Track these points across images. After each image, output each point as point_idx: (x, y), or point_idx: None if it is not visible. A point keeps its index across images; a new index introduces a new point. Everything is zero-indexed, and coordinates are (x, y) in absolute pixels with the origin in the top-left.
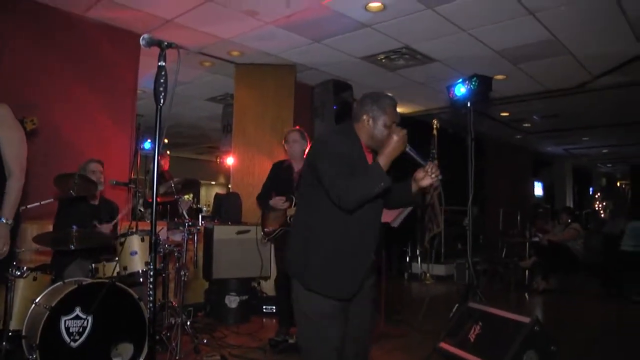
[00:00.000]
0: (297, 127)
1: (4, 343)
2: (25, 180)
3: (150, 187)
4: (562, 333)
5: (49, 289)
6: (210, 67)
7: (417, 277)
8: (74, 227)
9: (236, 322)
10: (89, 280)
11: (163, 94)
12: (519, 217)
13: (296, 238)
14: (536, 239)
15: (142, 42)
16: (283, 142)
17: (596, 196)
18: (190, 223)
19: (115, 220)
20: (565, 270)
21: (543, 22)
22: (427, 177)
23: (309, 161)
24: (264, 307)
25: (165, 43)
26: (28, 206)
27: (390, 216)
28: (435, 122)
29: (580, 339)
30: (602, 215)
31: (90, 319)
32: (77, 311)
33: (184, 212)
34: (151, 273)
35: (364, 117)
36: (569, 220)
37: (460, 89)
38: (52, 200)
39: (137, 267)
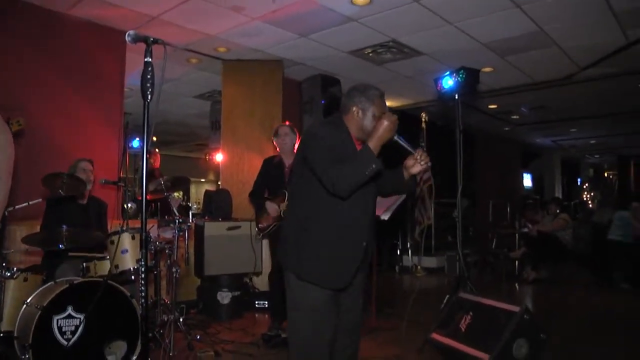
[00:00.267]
0: (287, 122)
1: None
2: (12, 183)
3: (139, 186)
4: (551, 321)
5: (40, 289)
6: (197, 64)
7: (408, 269)
8: (64, 226)
9: (229, 318)
10: (81, 279)
11: (150, 90)
12: (508, 209)
13: (289, 229)
14: (526, 229)
15: (127, 38)
16: (273, 137)
17: (584, 187)
18: (180, 220)
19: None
20: (554, 260)
21: (529, 14)
22: (416, 164)
23: (299, 153)
24: (256, 302)
25: (151, 39)
26: (16, 207)
27: (380, 209)
28: (423, 115)
29: (570, 327)
30: (590, 206)
31: (82, 317)
32: (70, 310)
33: (175, 210)
34: (142, 270)
35: (353, 108)
36: (558, 211)
37: (448, 82)
38: (40, 200)
39: (128, 265)
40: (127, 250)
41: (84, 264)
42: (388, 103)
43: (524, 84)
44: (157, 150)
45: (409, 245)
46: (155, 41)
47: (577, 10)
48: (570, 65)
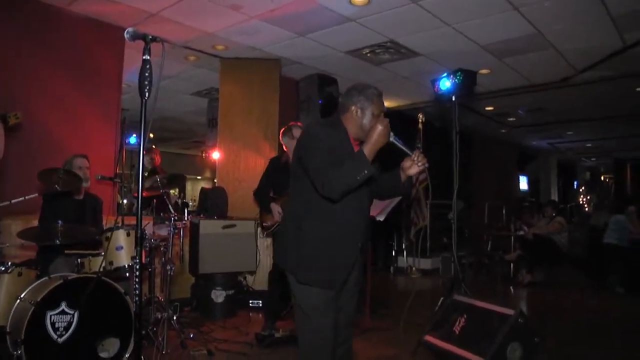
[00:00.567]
0: (299, 123)
1: None
2: (9, 177)
3: (136, 182)
4: (546, 325)
5: (35, 284)
6: (195, 61)
7: (403, 270)
8: (60, 222)
9: (222, 316)
10: (75, 275)
11: (148, 87)
12: (504, 211)
13: (287, 231)
14: (521, 232)
15: (126, 35)
16: (282, 137)
17: (580, 190)
18: (176, 218)
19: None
20: (549, 263)
21: (527, 16)
22: (414, 165)
23: (296, 153)
24: (250, 301)
25: (150, 37)
26: (12, 201)
27: (376, 210)
28: (420, 116)
29: (564, 330)
30: (587, 209)
31: (76, 314)
32: (63, 306)
33: (170, 207)
34: (137, 267)
35: (352, 108)
36: (554, 214)
37: (445, 83)
38: (36, 195)
39: (123, 262)
40: (122, 247)
41: (79, 260)
42: (385, 103)
43: (521, 86)
44: (154, 147)
45: (404, 246)
46: (154, 39)
47: (574, 13)
48: (567, 67)
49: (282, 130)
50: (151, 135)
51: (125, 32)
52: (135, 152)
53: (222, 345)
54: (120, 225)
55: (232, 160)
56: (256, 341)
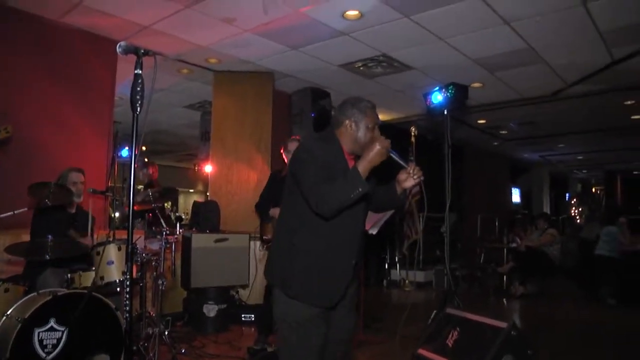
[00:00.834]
0: (297, 137)
1: None
2: None
3: (128, 196)
4: (539, 336)
5: (22, 300)
6: (188, 74)
7: (396, 283)
8: (49, 236)
9: (215, 331)
10: (65, 291)
11: (140, 102)
12: (496, 223)
13: (277, 245)
14: (514, 244)
15: (118, 49)
16: (282, 151)
17: (572, 202)
18: (167, 231)
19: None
20: (542, 274)
21: (518, 31)
22: (409, 178)
23: (290, 168)
24: (243, 315)
25: (142, 51)
26: (0, 216)
27: (369, 223)
28: (413, 129)
29: (557, 342)
30: (579, 221)
31: (65, 330)
32: (52, 323)
33: (162, 221)
34: (128, 283)
35: (346, 122)
36: (546, 226)
37: (437, 97)
38: (25, 209)
39: (113, 277)
40: (112, 262)
41: (69, 275)
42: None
43: (512, 100)
44: (146, 159)
45: (397, 260)
46: (146, 53)
47: (564, 28)
48: (558, 81)
49: (283, 146)
50: (144, 148)
51: (118, 46)
52: (127, 165)
53: None
54: (111, 239)
55: (224, 173)
56: (248, 355)
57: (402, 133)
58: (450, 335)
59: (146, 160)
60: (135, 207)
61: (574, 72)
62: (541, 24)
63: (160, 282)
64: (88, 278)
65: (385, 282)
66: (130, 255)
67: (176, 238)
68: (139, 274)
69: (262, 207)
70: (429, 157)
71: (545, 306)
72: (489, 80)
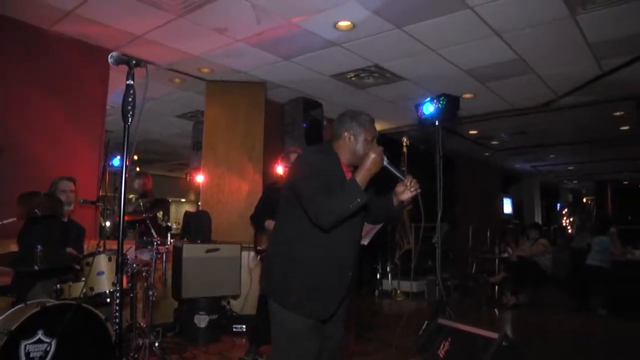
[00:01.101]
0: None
1: None
2: None
3: (119, 206)
4: (531, 347)
5: (9, 311)
6: (180, 84)
7: (387, 293)
8: (38, 246)
9: (206, 341)
10: (53, 302)
11: (131, 112)
12: (488, 233)
13: (275, 257)
14: (505, 254)
15: (110, 60)
16: (279, 162)
17: (563, 212)
18: (158, 242)
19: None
20: (534, 284)
21: (509, 43)
22: (407, 190)
23: (287, 180)
24: (234, 326)
25: (134, 61)
26: None
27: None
28: (405, 139)
29: (548, 352)
30: (570, 231)
31: (53, 342)
32: (40, 335)
33: (153, 232)
34: (118, 294)
35: (345, 134)
36: (537, 236)
37: (429, 108)
38: (14, 219)
39: (104, 288)
40: (103, 272)
41: (58, 286)
42: None
43: (503, 110)
44: (137, 168)
45: (388, 270)
46: (138, 64)
47: (554, 40)
48: (548, 92)
49: (281, 156)
50: (135, 157)
51: (109, 56)
52: (119, 175)
53: None
54: (101, 250)
55: (216, 183)
56: None
57: (394, 143)
58: (441, 346)
59: (138, 169)
60: (126, 217)
61: (564, 83)
62: (531, 35)
63: (150, 292)
64: (78, 288)
65: (377, 292)
66: (121, 266)
67: (167, 248)
68: (130, 284)
69: (257, 219)
70: (420, 168)
71: (536, 316)
72: (480, 91)
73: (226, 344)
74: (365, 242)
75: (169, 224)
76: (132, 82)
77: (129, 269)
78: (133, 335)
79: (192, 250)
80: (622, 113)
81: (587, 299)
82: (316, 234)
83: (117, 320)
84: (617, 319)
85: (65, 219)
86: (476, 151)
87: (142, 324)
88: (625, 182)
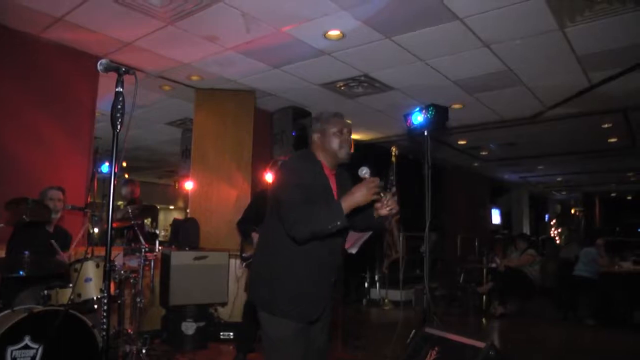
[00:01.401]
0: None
1: None
2: None
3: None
4: (518, 357)
5: None
6: (169, 91)
7: (375, 302)
8: (26, 252)
9: (193, 348)
10: (41, 308)
11: (120, 120)
12: (476, 243)
13: (261, 264)
14: (494, 264)
15: (99, 67)
16: (268, 170)
17: (552, 223)
18: (147, 249)
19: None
20: (522, 295)
21: (498, 54)
22: (384, 207)
23: (272, 189)
24: (221, 333)
25: (123, 69)
26: None
27: (348, 242)
28: (394, 149)
29: None
30: (558, 242)
31: (40, 348)
32: (27, 340)
33: (141, 238)
34: (105, 302)
35: (315, 136)
36: (526, 247)
37: (418, 118)
38: (2, 225)
39: (91, 294)
40: (90, 279)
41: (46, 292)
42: (359, 136)
43: (492, 121)
44: (126, 175)
45: (376, 278)
46: (127, 71)
47: (542, 52)
48: (537, 104)
49: (270, 164)
50: (124, 164)
51: (99, 63)
52: (108, 181)
53: None
54: (89, 256)
55: (204, 191)
56: None
57: (382, 153)
58: (429, 355)
59: (127, 176)
60: (114, 224)
61: (552, 95)
62: (520, 47)
63: (138, 299)
64: (65, 295)
65: (364, 300)
66: (109, 273)
67: (155, 255)
68: (117, 291)
69: (244, 226)
70: (409, 177)
71: (524, 326)
72: (469, 102)
73: (214, 351)
74: (353, 250)
75: (157, 231)
76: (121, 90)
77: (117, 276)
78: (120, 342)
79: (180, 258)
80: (610, 125)
81: (574, 310)
82: (304, 245)
83: (105, 326)
84: (604, 329)
85: (51, 229)
86: (465, 161)
87: (129, 331)
88: (613, 194)
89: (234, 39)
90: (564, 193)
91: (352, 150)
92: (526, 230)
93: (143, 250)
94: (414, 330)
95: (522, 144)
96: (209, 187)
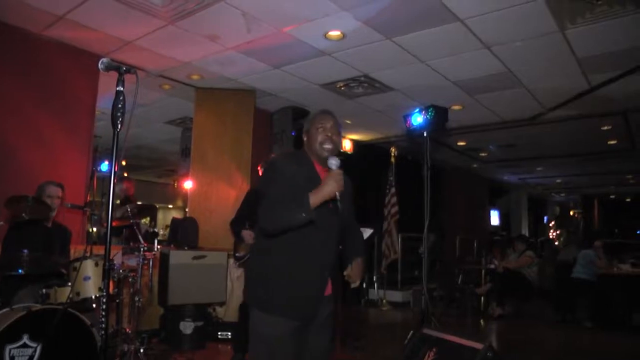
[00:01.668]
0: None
1: None
2: None
3: (106, 211)
4: (515, 358)
5: None
6: (169, 90)
7: (374, 303)
8: (25, 250)
9: (191, 348)
10: (39, 306)
11: (121, 119)
12: (475, 245)
13: (255, 265)
14: (492, 266)
15: (100, 66)
16: (259, 169)
17: (550, 224)
18: (145, 248)
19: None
20: (520, 296)
21: (498, 55)
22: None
23: (258, 186)
24: (219, 333)
25: (124, 68)
26: None
27: None
28: (393, 149)
29: None
30: (557, 243)
31: (39, 347)
32: (25, 339)
33: (140, 237)
34: (104, 300)
35: (304, 137)
36: (524, 248)
37: (417, 119)
38: (2, 223)
39: (90, 293)
40: (89, 278)
41: (44, 290)
42: (358, 136)
43: (492, 123)
44: (125, 174)
45: (375, 279)
46: (128, 70)
47: (543, 54)
48: (536, 105)
49: (261, 164)
50: (123, 162)
51: (100, 62)
52: (107, 180)
53: None
54: (88, 255)
55: (204, 190)
56: None
57: (382, 153)
58: (427, 356)
59: (126, 175)
60: (114, 223)
61: (552, 97)
62: (521, 49)
63: (137, 298)
64: (64, 293)
65: (362, 301)
66: (108, 272)
67: (154, 254)
68: (116, 290)
69: (236, 225)
70: (409, 178)
71: (522, 328)
72: (469, 103)
73: (211, 350)
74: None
75: (156, 230)
76: (122, 89)
77: (116, 275)
78: (118, 341)
79: (178, 257)
80: (609, 127)
81: (572, 312)
82: (288, 238)
83: (103, 325)
84: (602, 332)
85: (49, 224)
86: (464, 162)
87: (127, 330)
88: (612, 196)
89: (235, 39)
90: (562, 195)
91: (332, 146)
92: (525, 231)
93: (142, 249)
94: (411, 331)
95: (522, 145)
96: (208, 187)
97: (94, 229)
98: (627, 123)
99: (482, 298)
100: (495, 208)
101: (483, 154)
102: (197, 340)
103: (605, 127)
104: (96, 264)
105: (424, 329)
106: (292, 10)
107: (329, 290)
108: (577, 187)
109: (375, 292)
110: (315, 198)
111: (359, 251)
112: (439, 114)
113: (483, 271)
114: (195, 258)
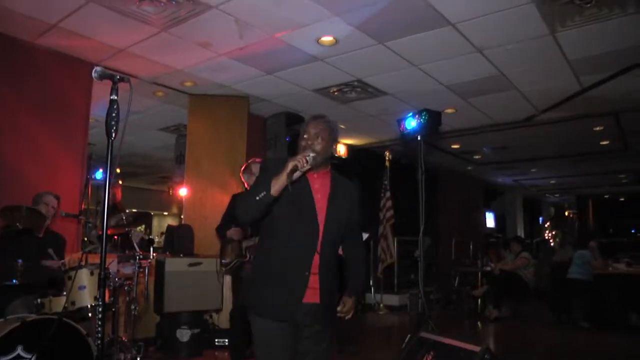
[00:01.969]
0: (258, 160)
1: None
2: None
3: (100, 219)
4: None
5: None
6: (163, 97)
7: (370, 307)
8: (19, 260)
9: (188, 355)
10: (34, 317)
11: (115, 127)
12: (471, 247)
13: (252, 268)
14: (488, 268)
15: (94, 75)
16: (241, 173)
17: (546, 225)
18: (141, 256)
19: (62, 260)
20: (516, 298)
21: (490, 59)
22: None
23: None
24: (216, 340)
25: (118, 77)
26: None
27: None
28: (387, 153)
29: None
30: (552, 244)
31: (33, 358)
32: (19, 350)
33: (136, 245)
34: (100, 309)
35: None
36: (520, 250)
37: (411, 123)
38: None
39: (85, 302)
40: (84, 287)
41: (39, 300)
42: (352, 141)
43: (485, 125)
44: (120, 182)
45: (371, 283)
46: (122, 79)
47: (534, 56)
48: (529, 107)
49: (242, 168)
50: (118, 170)
51: (93, 71)
52: (101, 188)
53: None
54: (83, 263)
55: (199, 197)
56: None
57: (376, 157)
58: (424, 359)
59: (120, 182)
60: (108, 231)
61: (544, 99)
62: (512, 52)
63: (133, 306)
64: (59, 303)
65: (359, 305)
66: (104, 280)
67: (149, 262)
68: (112, 298)
69: (222, 229)
70: (403, 182)
71: (519, 329)
72: (462, 106)
73: (209, 358)
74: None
75: (152, 237)
76: (116, 97)
77: (111, 283)
78: (115, 350)
79: (174, 264)
80: (601, 128)
81: (568, 312)
82: (271, 238)
83: (99, 334)
84: (599, 332)
85: (41, 234)
86: (459, 165)
87: (124, 339)
88: (606, 196)
89: (228, 45)
90: (557, 196)
91: (319, 149)
92: (520, 233)
93: (137, 257)
94: (409, 335)
95: (515, 147)
96: (203, 194)
97: (87, 239)
98: (618, 124)
99: (479, 300)
100: (490, 210)
101: (477, 157)
102: (193, 347)
103: (598, 128)
104: (91, 273)
105: (421, 332)
106: (285, 16)
107: (315, 296)
108: (571, 187)
109: (372, 296)
110: (276, 179)
111: (355, 286)
112: (433, 118)
113: (479, 273)
114: (191, 265)
